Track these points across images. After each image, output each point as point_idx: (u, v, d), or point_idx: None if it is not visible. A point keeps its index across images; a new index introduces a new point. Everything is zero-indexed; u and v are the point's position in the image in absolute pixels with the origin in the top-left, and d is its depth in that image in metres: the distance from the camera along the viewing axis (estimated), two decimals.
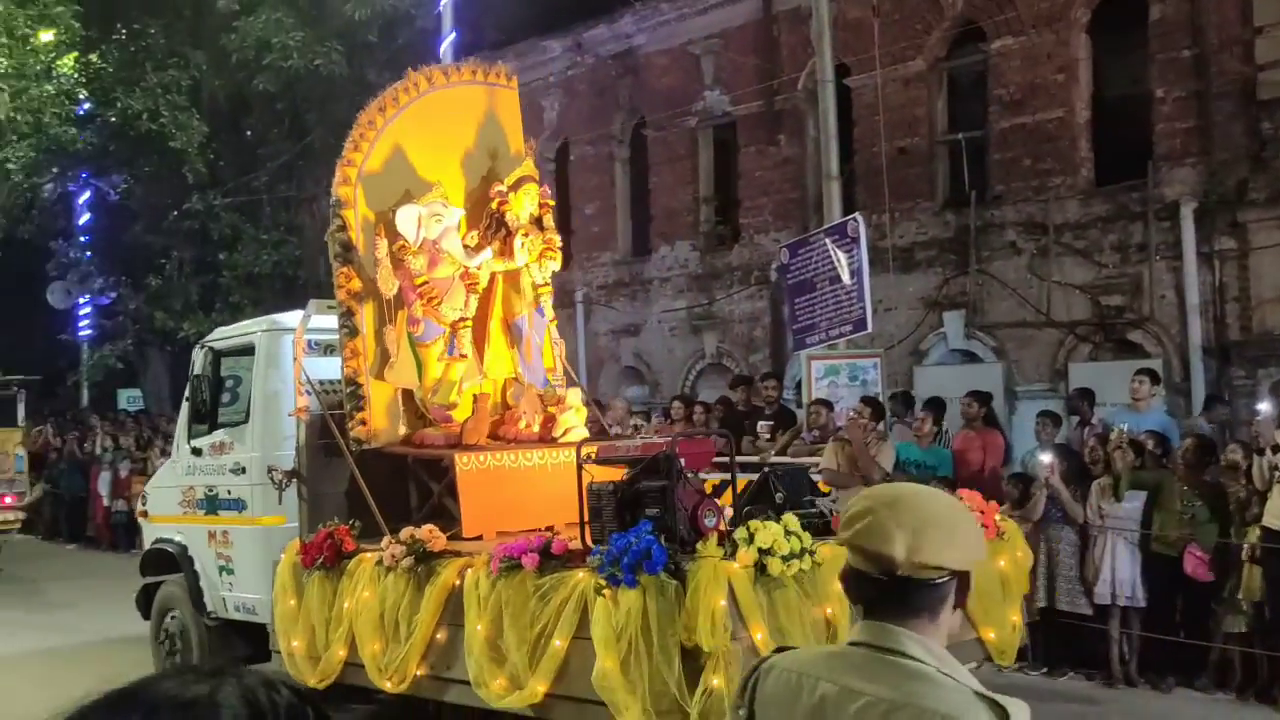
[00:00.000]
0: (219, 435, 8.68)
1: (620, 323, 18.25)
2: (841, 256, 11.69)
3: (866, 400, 10.21)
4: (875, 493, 2.10)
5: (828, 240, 11.90)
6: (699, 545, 5.36)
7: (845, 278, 11.66)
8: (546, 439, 7.67)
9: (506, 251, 7.79)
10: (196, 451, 8.84)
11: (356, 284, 7.47)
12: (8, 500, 17.19)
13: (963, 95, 15.00)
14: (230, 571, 8.51)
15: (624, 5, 18.03)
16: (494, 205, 7.78)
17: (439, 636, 6.27)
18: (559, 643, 5.56)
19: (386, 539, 6.66)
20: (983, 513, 6.61)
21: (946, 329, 14.31)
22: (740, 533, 5.45)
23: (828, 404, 11.14)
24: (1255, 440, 8.81)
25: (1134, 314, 12.81)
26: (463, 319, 7.58)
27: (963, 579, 2.00)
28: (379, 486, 7.31)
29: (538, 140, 19.46)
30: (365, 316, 7.49)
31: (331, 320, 7.71)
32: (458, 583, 6.18)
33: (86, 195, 24.63)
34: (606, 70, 18.54)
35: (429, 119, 7.87)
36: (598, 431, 8.63)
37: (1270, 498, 8.16)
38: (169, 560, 9.09)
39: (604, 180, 18.86)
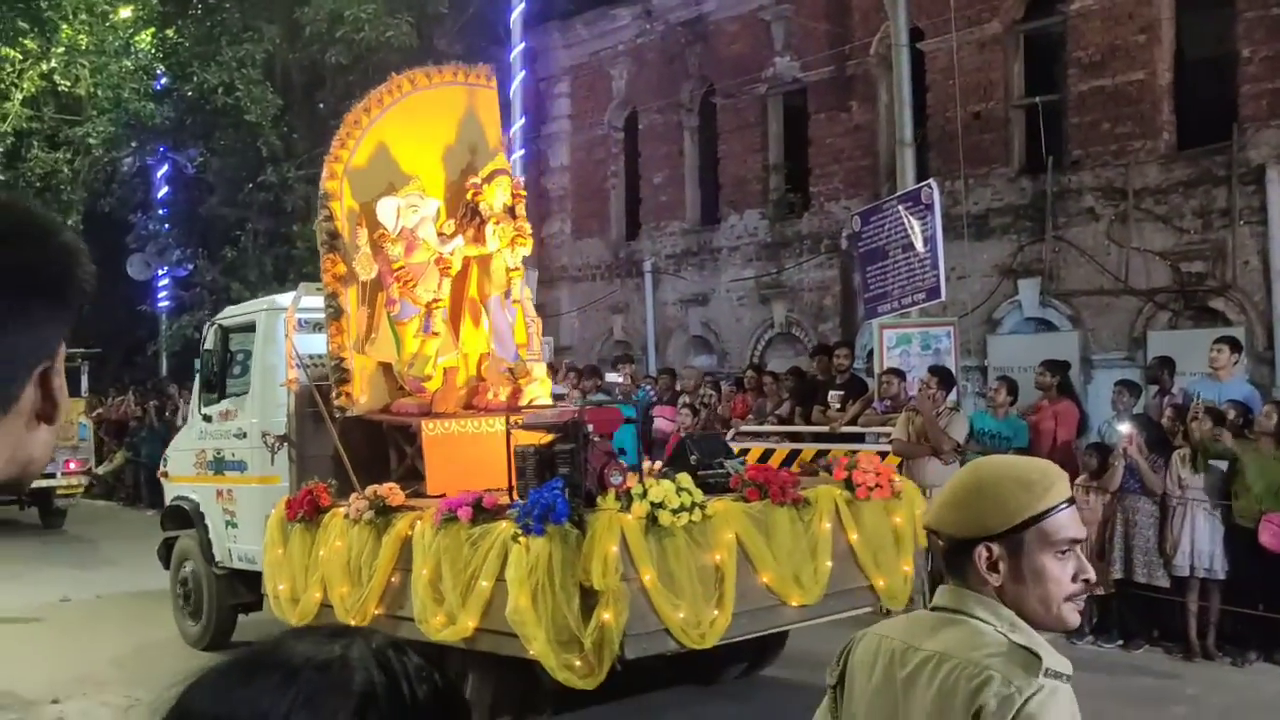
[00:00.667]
0: (226, 404, 9.67)
1: (688, 292, 18.22)
2: (915, 224, 11.56)
3: (935, 370, 10.10)
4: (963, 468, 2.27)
5: (901, 207, 11.77)
6: (599, 500, 6.23)
7: (919, 245, 11.53)
8: (514, 408, 8.28)
9: (479, 238, 8.56)
10: (207, 418, 9.85)
11: (341, 269, 8.31)
12: (72, 465, 18.12)
13: (1040, 58, 14.69)
14: (235, 525, 9.44)
15: None
16: (469, 196, 8.53)
17: (393, 580, 7.13)
18: (485, 584, 6.40)
19: (354, 495, 7.52)
20: (878, 474, 7.33)
21: (1021, 297, 14.08)
22: (636, 489, 6.24)
23: (900, 373, 11.04)
24: None
25: (1216, 281, 12.50)
26: (436, 300, 8.40)
27: (1000, 542, 2.06)
28: (362, 450, 8.27)
29: (607, 108, 19.76)
30: (349, 298, 8.37)
31: (320, 301, 8.50)
32: (409, 534, 7.01)
33: (164, 169, 25.07)
34: (676, 38, 18.43)
35: (412, 117, 8.68)
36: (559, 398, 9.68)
37: None
38: (185, 516, 10.05)
39: (672, 149, 18.79)
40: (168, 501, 10.58)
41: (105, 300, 25.62)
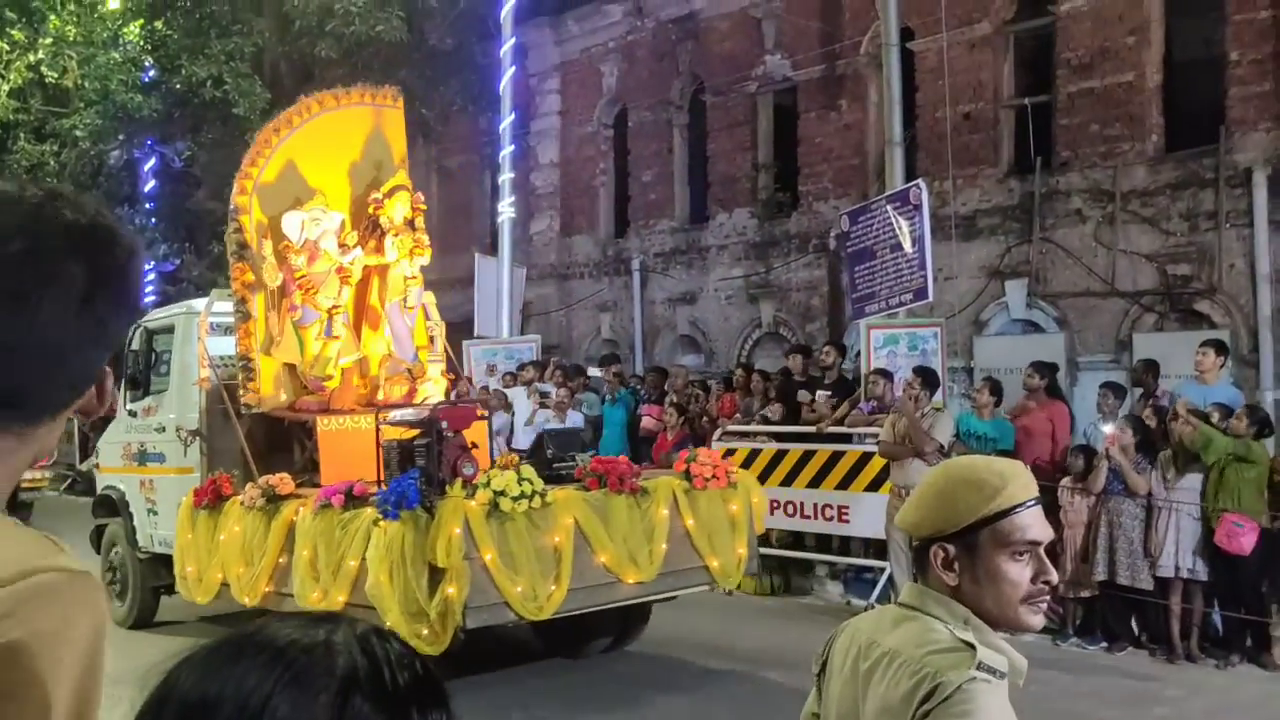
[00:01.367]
0: (148, 400, 10.39)
1: (677, 290, 18.23)
2: (903, 224, 11.58)
3: (918, 371, 10.12)
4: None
5: (889, 207, 11.79)
6: (448, 488, 7.07)
7: (907, 245, 11.55)
8: (409, 405, 9.03)
9: (379, 249, 9.36)
10: (133, 414, 10.50)
11: (249, 277, 9.13)
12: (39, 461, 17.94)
13: (1029, 59, 14.73)
14: (155, 513, 10.18)
15: None
16: (370, 210, 9.35)
17: (280, 561, 7.98)
18: (352, 563, 7.24)
19: (249, 484, 8.38)
20: (716, 466, 8.21)
21: (1008, 298, 14.12)
22: (481, 478, 7.12)
23: (886, 374, 11.06)
24: None
25: (1202, 284, 12.56)
26: (336, 306, 9.17)
27: (954, 542, 2.10)
28: (267, 444, 9.18)
29: (597, 105, 19.74)
30: (256, 304, 9.19)
31: (230, 306, 9.34)
32: (294, 519, 7.87)
33: (152, 162, 24.98)
34: (666, 35, 18.44)
35: (320, 137, 9.45)
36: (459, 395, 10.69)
37: None
38: (113, 505, 10.78)
39: (662, 147, 18.80)
40: (99, 491, 11.21)
41: None
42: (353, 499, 7.47)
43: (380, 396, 9.29)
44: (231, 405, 9.15)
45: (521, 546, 7.08)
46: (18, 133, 21.33)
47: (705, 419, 12.77)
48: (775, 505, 11.27)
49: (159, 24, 22.23)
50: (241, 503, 8.35)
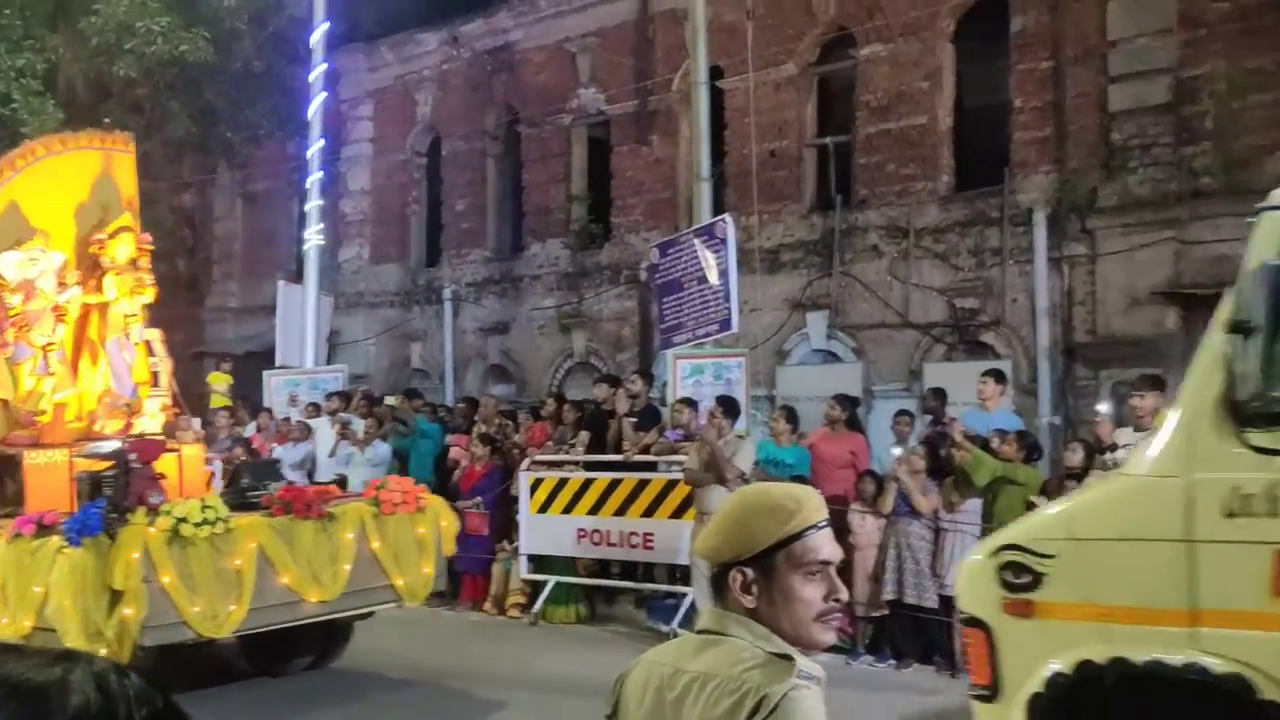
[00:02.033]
0: None
1: (489, 320, 18.19)
2: (710, 257, 11.86)
3: (720, 400, 10.37)
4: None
5: (697, 241, 12.06)
6: (129, 516, 7.49)
7: (713, 278, 11.83)
8: (117, 437, 9.29)
9: (99, 288, 9.61)
10: None
11: None
12: None
13: (832, 100, 15.35)
14: None
15: (501, 0, 18.01)
16: (93, 250, 9.61)
17: None
18: (38, 589, 7.51)
19: None
20: (405, 493, 8.85)
21: (809, 329, 14.61)
22: (165, 507, 7.61)
23: (691, 403, 11.26)
24: (1095, 440, 9.19)
25: (987, 316, 13.27)
26: (51, 343, 9.39)
27: (751, 566, 2.17)
28: None
29: (410, 133, 19.58)
30: None
31: None
32: None
33: None
34: (481, 65, 18.47)
35: (47, 179, 9.66)
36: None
37: None
38: None
39: (476, 176, 18.80)
40: None
41: None
42: (43, 528, 7.80)
43: (98, 428, 9.54)
44: None
45: (202, 569, 7.55)
46: None
47: (515, 450, 12.74)
48: (582, 534, 11.33)
49: None
50: None
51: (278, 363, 16.41)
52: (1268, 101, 11.69)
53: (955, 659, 9.17)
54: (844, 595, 2.21)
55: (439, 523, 9.00)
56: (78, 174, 9.89)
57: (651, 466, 11.32)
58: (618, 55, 16.91)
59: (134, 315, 9.75)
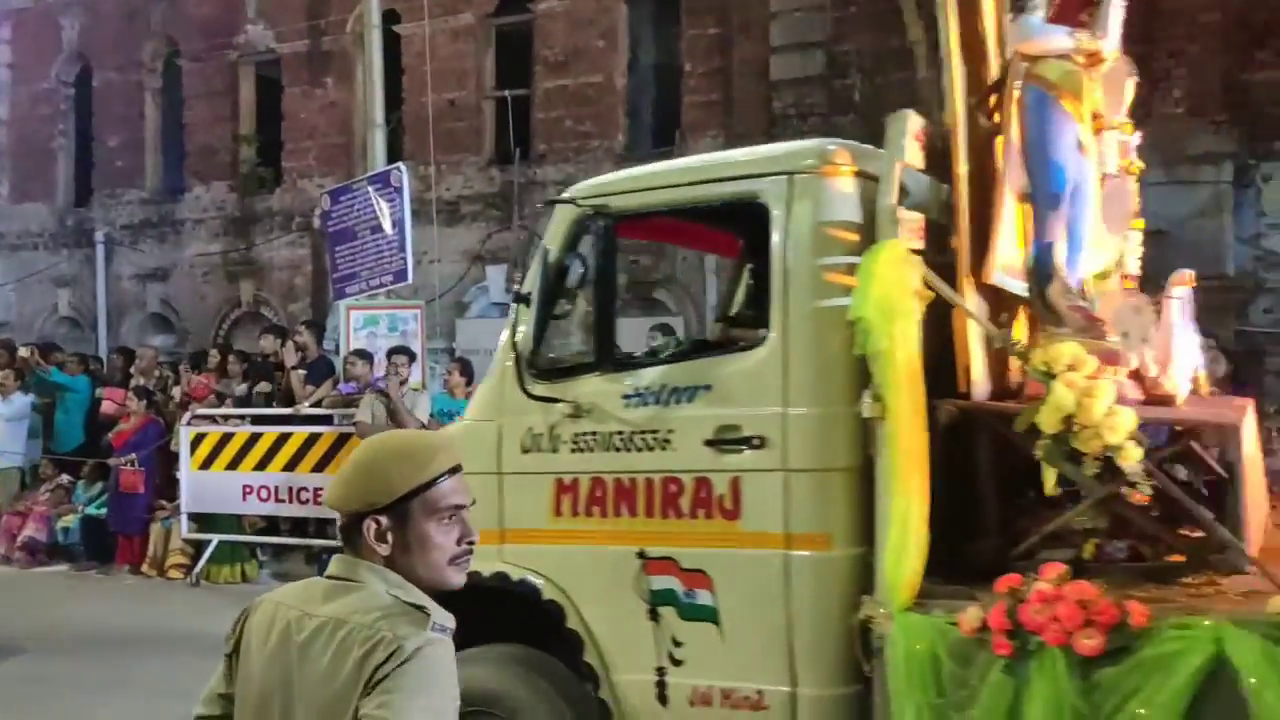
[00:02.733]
0: None
1: (147, 266, 17.23)
2: (384, 206, 11.70)
3: (399, 350, 10.36)
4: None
5: (371, 189, 11.87)
6: None
7: (387, 228, 11.70)
8: None
9: None
10: None
11: None
12: None
13: (512, 53, 15.44)
14: None
15: None
16: None
17: None
18: None
19: None
20: None
21: (489, 282, 14.75)
22: None
23: (366, 355, 11.14)
24: None
25: (659, 274, 13.85)
26: None
27: (386, 514, 2.19)
28: None
29: (55, 60, 18.12)
30: None
31: None
32: None
33: None
34: None
35: None
36: None
37: None
38: None
39: (132, 111, 17.68)
40: None
41: None
42: None
43: None
44: None
45: None
46: None
47: (174, 403, 12.19)
48: (248, 490, 11.02)
49: None
50: None
51: None
52: (907, 79, 12.76)
53: None
54: (476, 538, 2.27)
55: None
56: None
57: (326, 420, 11.16)
58: None
59: None
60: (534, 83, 14.71)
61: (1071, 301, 4.36)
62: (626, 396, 4.51)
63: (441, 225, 14.38)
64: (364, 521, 2.19)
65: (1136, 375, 4.44)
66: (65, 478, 12.20)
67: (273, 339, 12.24)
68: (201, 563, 11.09)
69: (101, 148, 17.84)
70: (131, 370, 12.99)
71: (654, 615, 4.42)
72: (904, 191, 4.16)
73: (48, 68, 18.29)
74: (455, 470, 2.25)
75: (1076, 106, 4.37)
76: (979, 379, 4.22)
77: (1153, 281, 5.21)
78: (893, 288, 3.93)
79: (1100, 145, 4.50)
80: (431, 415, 10.20)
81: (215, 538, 11.18)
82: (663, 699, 4.42)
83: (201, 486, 11.21)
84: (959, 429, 4.22)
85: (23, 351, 13.27)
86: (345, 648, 2.08)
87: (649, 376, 4.55)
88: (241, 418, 11.55)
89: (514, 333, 4.72)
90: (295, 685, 2.14)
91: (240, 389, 11.82)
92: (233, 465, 11.10)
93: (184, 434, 11.34)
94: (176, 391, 12.35)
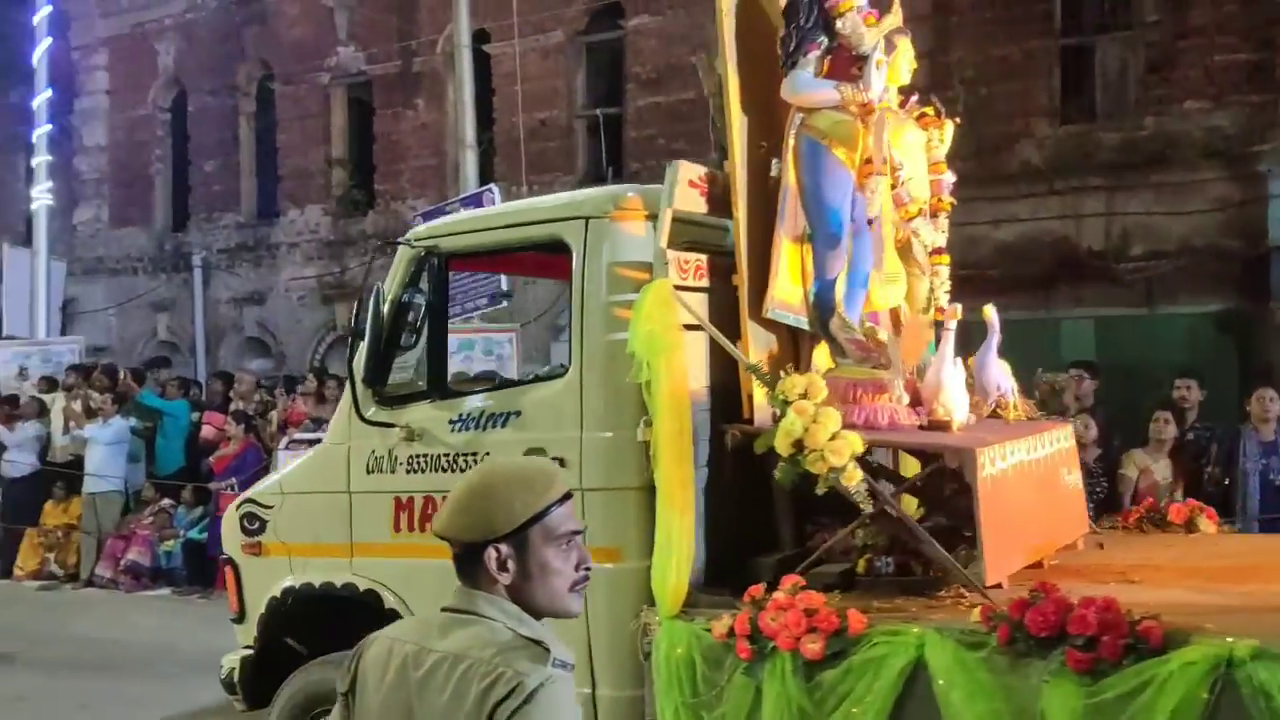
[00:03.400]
0: None
1: (243, 290, 17.55)
2: None
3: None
4: None
5: (463, 210, 11.96)
6: None
7: None
8: None
9: None
10: None
11: None
12: None
13: (603, 70, 15.48)
14: None
15: None
16: None
17: None
18: None
19: None
20: None
21: None
22: None
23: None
24: None
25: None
26: None
27: (507, 542, 2.19)
28: None
29: (152, 86, 18.59)
30: None
31: None
32: None
33: None
34: (230, 16, 17.73)
35: None
36: None
37: None
38: None
39: (227, 135, 18.05)
40: None
41: None
42: None
43: None
44: None
45: None
46: None
47: (273, 427, 12.39)
48: None
49: None
50: None
51: (3, 333, 15.44)
52: (1013, 90, 12.53)
53: None
54: (592, 563, 2.29)
55: None
56: None
57: None
58: (378, 13, 16.51)
59: None
60: (626, 100, 14.72)
61: (849, 335, 4.81)
62: (452, 422, 5.00)
63: None
64: (484, 550, 2.19)
65: (916, 402, 4.91)
66: (167, 501, 12.44)
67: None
68: None
69: (197, 172, 18.25)
70: (230, 395, 13.24)
71: None
72: (674, 234, 4.64)
73: (145, 94, 18.76)
74: (568, 496, 2.27)
75: (849, 154, 4.75)
76: (761, 404, 4.56)
77: None
78: (658, 324, 4.40)
79: (870, 190, 4.81)
80: None
81: None
82: None
83: None
84: (747, 451, 4.59)
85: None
86: (465, 683, 2.09)
87: (470, 404, 5.07)
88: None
89: (351, 363, 5.25)
90: None
91: None
92: None
93: (281, 458, 11.50)
94: (274, 416, 12.57)
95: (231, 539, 5.84)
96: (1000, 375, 5.36)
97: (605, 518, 4.61)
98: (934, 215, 5.54)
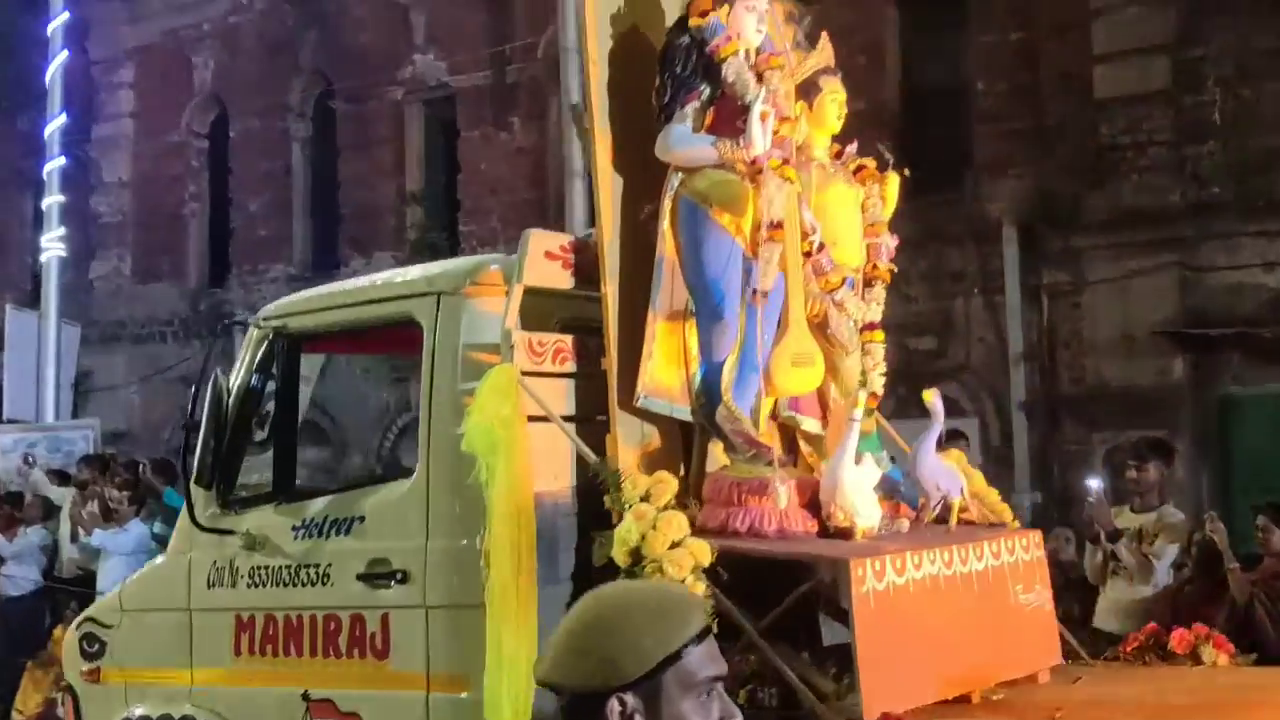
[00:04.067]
0: None
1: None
2: None
3: None
4: None
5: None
6: None
7: None
8: None
9: None
10: None
11: None
12: None
13: None
14: None
15: None
16: None
17: None
18: None
19: None
20: None
21: None
22: None
23: None
24: (1089, 525, 9.42)
25: (947, 361, 13.54)
26: None
27: (634, 691, 2.13)
28: None
29: (186, 107, 19.29)
30: None
31: None
32: None
33: None
34: (282, 19, 18.33)
35: None
36: None
37: (1104, 593, 8.74)
38: None
39: (277, 166, 18.59)
40: None
41: None
42: None
43: None
44: None
45: None
46: None
47: None
48: None
49: None
50: None
51: (5, 415, 16.01)
52: None
53: None
54: (740, 717, 2.21)
55: None
56: None
57: None
58: (464, 11, 16.91)
59: None
60: None
61: (736, 426, 5.08)
62: (295, 528, 5.39)
63: None
64: (605, 703, 2.13)
65: (815, 503, 5.11)
66: None
67: None
68: None
69: (240, 212, 18.77)
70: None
71: None
72: (541, 311, 5.08)
73: (177, 115, 19.42)
74: (708, 631, 2.20)
75: (735, 220, 5.00)
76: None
77: None
78: (494, 415, 4.68)
79: (764, 259, 5.04)
80: None
81: None
82: None
83: None
84: None
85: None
86: None
87: (314, 507, 5.45)
88: None
89: (183, 460, 5.67)
90: None
91: None
92: None
93: None
94: None
95: (71, 664, 6.26)
96: (943, 472, 5.52)
97: (450, 640, 4.98)
98: (868, 284, 5.84)
